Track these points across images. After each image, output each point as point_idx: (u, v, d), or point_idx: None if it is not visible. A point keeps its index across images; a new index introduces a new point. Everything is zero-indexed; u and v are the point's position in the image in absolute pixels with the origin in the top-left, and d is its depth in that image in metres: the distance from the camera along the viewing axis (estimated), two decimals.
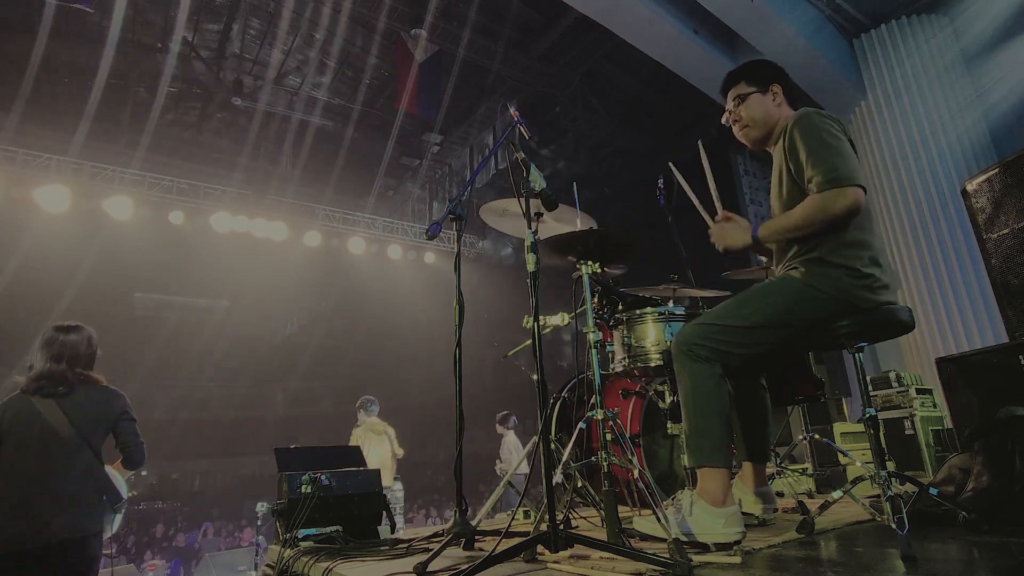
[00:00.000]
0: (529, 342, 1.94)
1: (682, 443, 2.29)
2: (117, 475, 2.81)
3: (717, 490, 1.79)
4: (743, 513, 1.93)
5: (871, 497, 2.34)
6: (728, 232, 2.05)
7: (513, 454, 7.55)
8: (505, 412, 7.86)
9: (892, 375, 4.47)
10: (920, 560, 1.45)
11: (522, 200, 2.04)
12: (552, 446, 1.99)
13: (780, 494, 2.95)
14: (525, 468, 7.60)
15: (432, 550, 1.81)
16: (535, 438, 2.25)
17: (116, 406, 2.78)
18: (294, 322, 17.28)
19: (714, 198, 2.23)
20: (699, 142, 2.34)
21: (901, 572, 1.39)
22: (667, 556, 1.52)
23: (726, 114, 2.19)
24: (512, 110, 2.31)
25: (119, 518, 2.81)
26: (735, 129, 2.17)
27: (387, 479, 6.24)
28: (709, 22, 7.44)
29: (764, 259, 2.37)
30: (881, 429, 3.87)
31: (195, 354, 14.83)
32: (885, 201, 7.50)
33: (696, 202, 2.28)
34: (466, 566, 1.57)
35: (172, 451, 16.76)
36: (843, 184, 1.75)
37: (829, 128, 1.86)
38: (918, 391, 4.32)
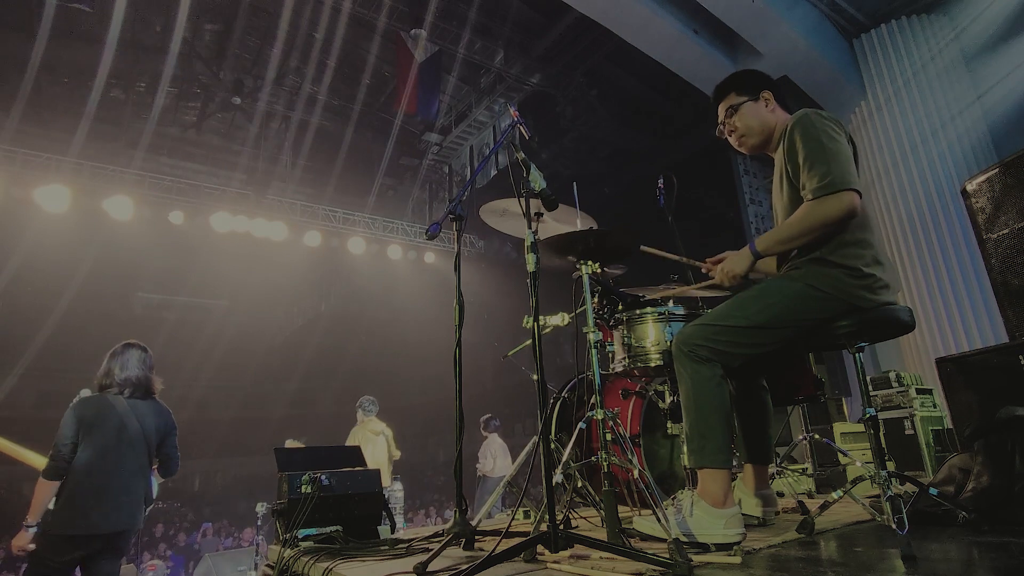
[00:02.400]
0: (529, 342, 1.94)
1: (682, 443, 2.29)
2: (154, 480, 3.23)
3: (718, 491, 1.78)
4: (744, 514, 1.93)
5: (871, 497, 2.34)
6: (730, 262, 2.00)
7: (488, 457, 7.61)
8: (488, 416, 7.92)
9: (892, 375, 4.47)
10: (920, 560, 1.45)
11: (522, 200, 2.04)
12: (552, 446, 1.99)
13: (780, 494, 2.95)
14: (506, 470, 7.61)
15: (432, 550, 1.81)
16: (535, 438, 2.25)
17: (171, 421, 3.29)
18: (294, 322, 17.28)
19: (691, 261, 2.24)
20: (641, 247, 2.32)
21: (901, 572, 1.39)
22: (667, 556, 1.52)
23: (719, 126, 2.19)
24: (512, 110, 2.31)
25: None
26: (732, 139, 2.17)
27: (384, 479, 6.25)
28: (709, 22, 7.44)
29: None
30: (881, 429, 3.87)
31: (195, 354, 14.84)
32: (885, 201, 7.50)
33: (678, 257, 2.28)
34: (466, 566, 1.57)
35: None
36: (838, 189, 1.75)
37: (827, 130, 1.85)
38: (918, 391, 4.31)
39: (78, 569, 2.92)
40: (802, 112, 1.93)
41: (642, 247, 2.28)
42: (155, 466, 3.24)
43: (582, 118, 10.81)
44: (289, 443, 6.31)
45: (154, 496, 3.21)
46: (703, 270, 2.16)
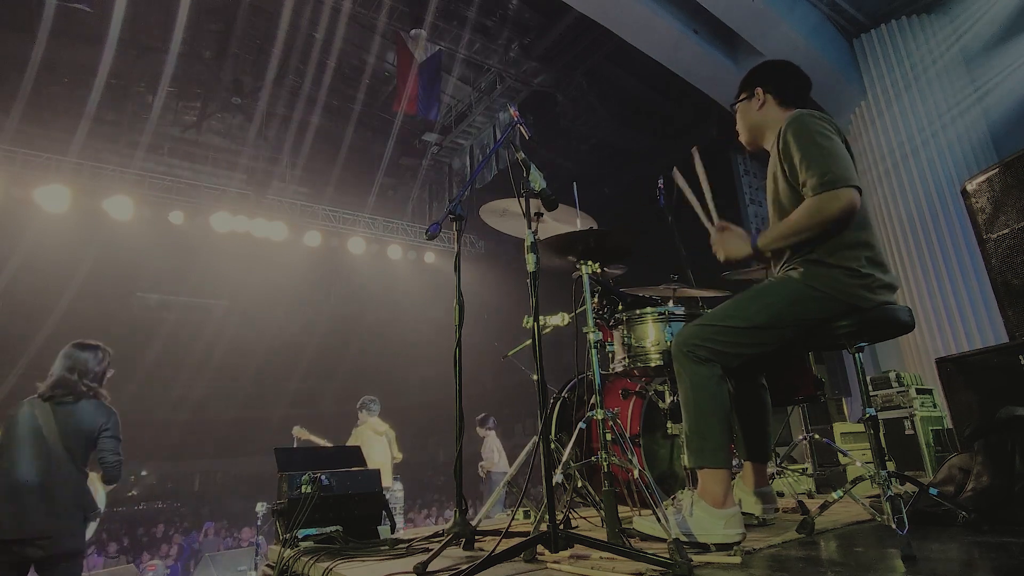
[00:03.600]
0: (529, 342, 1.94)
1: (682, 443, 2.29)
2: (98, 486, 3.07)
3: (718, 491, 1.78)
4: (743, 513, 1.93)
5: (871, 497, 2.34)
6: (728, 242, 2.03)
7: (495, 453, 7.63)
8: (484, 414, 7.94)
9: (892, 375, 4.47)
10: (920, 560, 1.45)
11: (522, 200, 2.04)
12: (552, 446, 1.99)
13: (780, 494, 2.95)
14: (505, 467, 7.64)
15: (432, 550, 1.81)
16: (535, 438, 2.25)
17: (100, 422, 3.04)
18: (294, 322, 17.26)
19: (711, 206, 2.23)
20: (693, 150, 2.35)
21: (901, 572, 1.39)
22: (667, 556, 1.52)
23: None
24: (512, 110, 2.31)
25: (93, 526, 3.04)
26: None
27: (386, 479, 6.26)
28: (709, 22, 7.44)
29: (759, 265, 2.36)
30: (881, 429, 3.87)
31: (195, 354, 14.81)
32: (885, 201, 7.50)
33: (698, 207, 2.28)
34: (466, 566, 1.57)
35: (172, 451, 16.72)
36: (837, 186, 1.75)
37: (821, 129, 1.86)
38: (918, 391, 4.31)
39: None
40: (796, 113, 1.95)
41: (674, 169, 2.31)
42: (101, 472, 3.10)
43: (582, 118, 10.80)
44: (296, 431, 6.31)
45: (99, 506, 3.05)
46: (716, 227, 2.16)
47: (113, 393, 3.23)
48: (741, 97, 2.19)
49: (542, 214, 2.14)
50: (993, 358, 2.71)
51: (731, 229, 2.15)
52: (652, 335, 2.33)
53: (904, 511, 1.54)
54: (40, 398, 2.99)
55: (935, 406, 4.34)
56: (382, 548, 2.30)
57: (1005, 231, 2.85)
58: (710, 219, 2.20)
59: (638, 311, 2.38)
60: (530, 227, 1.97)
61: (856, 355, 1.90)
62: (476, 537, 2.07)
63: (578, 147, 11.43)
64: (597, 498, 2.36)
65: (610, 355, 2.50)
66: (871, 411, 1.81)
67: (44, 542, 2.82)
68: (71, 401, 3.01)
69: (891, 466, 2.35)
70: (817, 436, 3.31)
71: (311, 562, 2.11)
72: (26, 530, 2.78)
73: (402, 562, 1.99)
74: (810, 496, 3.33)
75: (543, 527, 1.79)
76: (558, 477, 2.00)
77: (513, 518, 2.39)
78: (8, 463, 2.87)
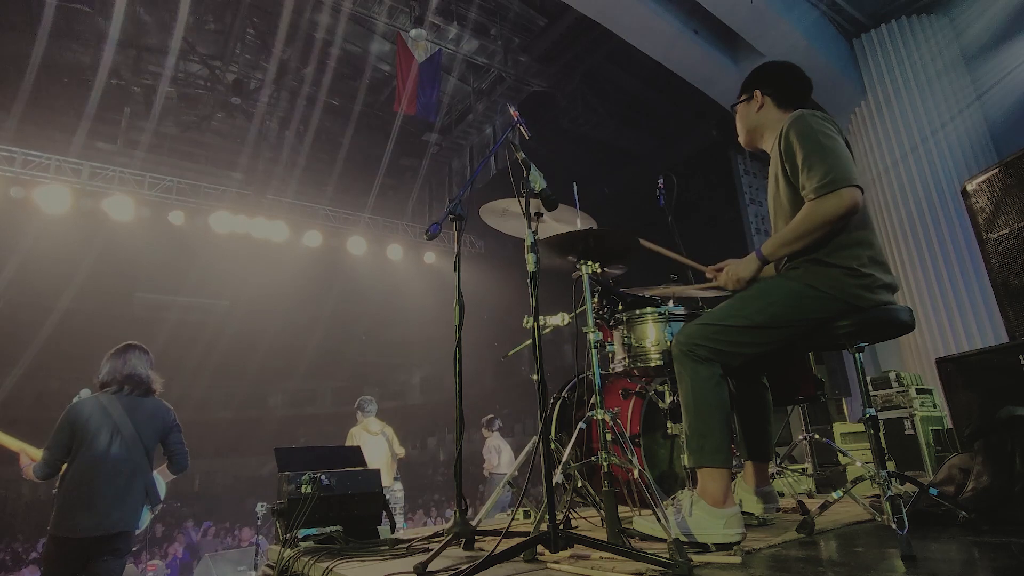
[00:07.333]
0: (529, 342, 1.94)
1: (682, 443, 2.29)
2: (160, 478, 3.24)
3: (718, 490, 1.78)
4: (744, 512, 1.92)
5: (871, 497, 2.34)
6: (736, 267, 2.01)
7: (493, 453, 7.68)
8: (490, 416, 7.97)
9: (892, 375, 4.47)
10: (920, 560, 1.45)
11: (522, 200, 2.04)
12: (552, 446, 1.99)
13: (780, 494, 2.95)
14: (509, 466, 7.68)
15: (432, 550, 1.81)
16: (535, 438, 2.25)
17: (169, 418, 3.30)
18: (294, 322, 17.28)
19: (690, 263, 2.26)
20: (640, 241, 2.26)
21: (901, 572, 1.39)
22: (667, 556, 1.52)
23: None
24: (512, 110, 2.31)
25: (149, 517, 3.17)
26: None
27: (386, 479, 6.26)
28: (709, 22, 7.44)
29: None
30: (881, 429, 3.87)
31: (195, 354, 14.82)
32: (885, 201, 7.50)
33: (679, 257, 2.30)
34: (466, 566, 1.57)
35: None
36: (839, 186, 1.76)
37: (823, 129, 1.86)
38: (918, 391, 4.32)
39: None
40: (798, 113, 1.94)
41: (641, 241, 2.28)
42: (163, 464, 3.26)
43: (582, 118, 10.81)
44: None
45: (161, 496, 3.21)
46: (706, 275, 2.18)
47: None
48: (740, 99, 2.20)
49: (542, 214, 2.14)
50: (993, 358, 2.71)
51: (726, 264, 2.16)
52: (652, 335, 2.33)
53: (904, 511, 1.54)
54: (110, 392, 3.08)
55: (935, 406, 4.34)
56: (382, 548, 2.30)
57: (1005, 231, 2.85)
58: (700, 268, 2.23)
59: (638, 311, 2.38)
60: (530, 227, 1.97)
61: (856, 355, 1.90)
62: (476, 537, 2.07)
63: (578, 147, 11.43)
64: (597, 498, 2.36)
65: (610, 355, 2.49)
66: (871, 411, 1.81)
67: (121, 537, 2.94)
68: (139, 395, 3.17)
69: (891, 466, 2.35)
70: (817, 436, 3.31)
71: (311, 562, 2.11)
72: (105, 527, 2.88)
73: (402, 562, 1.98)
74: (810, 496, 3.32)
75: (543, 527, 1.79)
76: (558, 477, 2.00)
77: (513, 518, 2.39)
78: (89, 457, 2.92)
